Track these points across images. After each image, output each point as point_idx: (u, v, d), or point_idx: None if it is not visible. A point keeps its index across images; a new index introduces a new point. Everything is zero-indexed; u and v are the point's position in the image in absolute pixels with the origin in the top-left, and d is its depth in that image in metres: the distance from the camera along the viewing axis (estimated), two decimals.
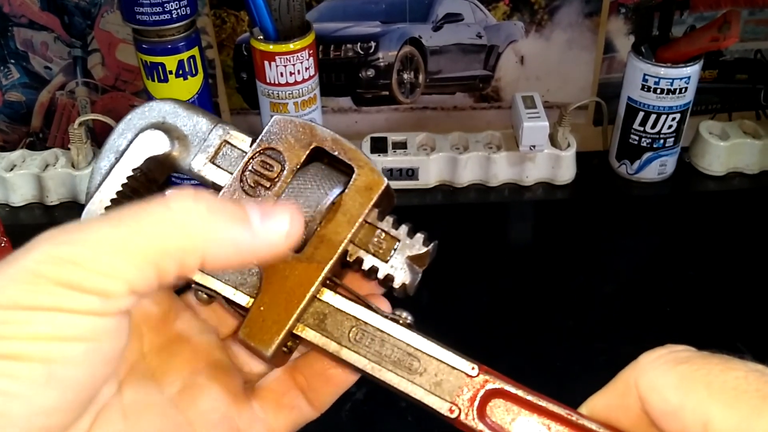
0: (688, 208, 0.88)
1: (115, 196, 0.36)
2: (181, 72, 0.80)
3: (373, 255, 0.35)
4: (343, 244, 0.35)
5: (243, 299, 0.35)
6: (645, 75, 0.83)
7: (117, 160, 0.36)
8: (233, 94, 0.93)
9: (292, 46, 0.79)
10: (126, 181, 0.36)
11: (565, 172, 0.88)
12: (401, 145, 0.88)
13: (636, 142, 0.87)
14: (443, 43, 0.91)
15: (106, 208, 0.36)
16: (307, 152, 0.36)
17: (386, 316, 0.34)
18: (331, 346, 0.34)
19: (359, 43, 0.90)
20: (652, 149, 0.87)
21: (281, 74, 0.80)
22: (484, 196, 0.89)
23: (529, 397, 0.32)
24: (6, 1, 0.86)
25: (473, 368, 0.33)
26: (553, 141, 0.87)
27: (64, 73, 0.91)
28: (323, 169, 0.36)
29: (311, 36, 0.80)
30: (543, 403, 0.31)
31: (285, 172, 0.36)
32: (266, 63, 0.80)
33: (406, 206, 0.86)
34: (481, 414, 0.32)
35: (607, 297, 0.76)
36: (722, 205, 0.87)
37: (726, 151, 0.88)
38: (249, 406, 0.36)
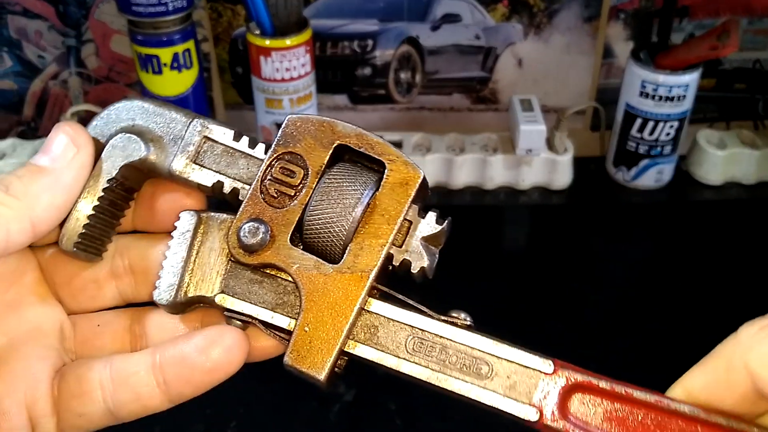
0: (684, 216, 0.88)
1: (92, 212, 0.33)
2: (175, 65, 0.79)
3: None
4: (385, 248, 0.32)
5: (283, 321, 0.32)
6: (643, 81, 0.82)
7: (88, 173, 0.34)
8: (228, 88, 0.93)
9: (288, 42, 0.78)
10: (102, 194, 0.33)
11: (562, 177, 0.88)
12: (397, 145, 0.87)
13: (633, 149, 0.86)
14: (441, 44, 0.90)
15: (85, 225, 0.33)
16: (330, 152, 0.33)
17: (443, 320, 0.32)
18: (389, 361, 0.32)
19: (356, 41, 0.89)
20: (649, 156, 0.86)
21: (277, 70, 0.79)
22: (479, 199, 0.88)
23: (614, 387, 0.30)
24: None
25: (549, 365, 0.31)
26: (550, 145, 0.86)
27: (57, 62, 0.90)
28: (351, 168, 0.33)
29: (308, 32, 0.79)
30: (629, 391, 0.30)
31: (309, 176, 0.32)
32: (262, 58, 0.79)
33: None
34: (564, 412, 0.30)
35: (600, 303, 0.75)
36: (719, 215, 0.87)
37: (723, 160, 0.88)
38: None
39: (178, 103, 0.82)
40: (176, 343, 0.32)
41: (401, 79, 0.92)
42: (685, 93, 0.82)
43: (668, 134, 0.85)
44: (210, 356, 0.31)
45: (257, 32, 0.79)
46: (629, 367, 0.68)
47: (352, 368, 0.71)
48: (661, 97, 0.82)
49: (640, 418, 0.29)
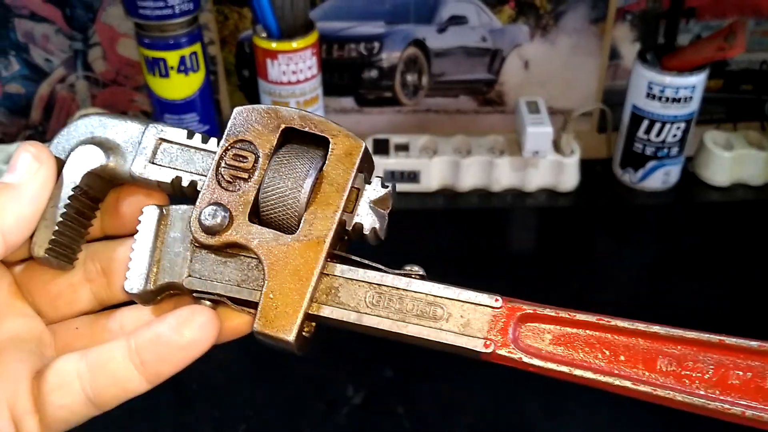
0: (692, 218, 0.87)
1: (60, 219, 0.35)
2: (182, 68, 0.79)
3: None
4: (338, 215, 0.34)
5: (250, 294, 0.34)
6: (650, 83, 0.82)
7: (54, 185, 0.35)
8: (235, 91, 0.93)
9: (294, 44, 0.78)
10: (68, 201, 0.35)
11: (569, 179, 0.88)
12: (403, 148, 0.88)
13: (640, 151, 0.86)
14: (448, 46, 0.90)
15: (54, 232, 0.35)
16: (278, 135, 0.35)
17: (398, 273, 0.34)
18: (351, 316, 0.34)
19: (363, 44, 0.89)
20: (656, 158, 0.86)
21: (283, 73, 0.79)
22: (486, 202, 0.88)
23: (558, 312, 0.32)
24: None
25: (496, 300, 0.33)
26: (557, 147, 0.86)
27: (64, 66, 0.90)
28: (298, 147, 0.35)
29: (314, 35, 0.79)
30: (572, 314, 0.32)
31: (260, 159, 0.35)
32: (268, 61, 0.79)
33: (407, 210, 0.85)
34: (516, 341, 0.32)
35: (607, 305, 0.75)
36: (726, 216, 0.87)
37: (730, 161, 0.88)
38: None
39: (186, 106, 0.83)
40: (150, 326, 0.33)
41: (408, 81, 0.92)
42: (692, 94, 0.82)
43: (675, 136, 0.85)
44: (184, 334, 0.33)
45: (264, 35, 0.79)
46: None
47: (361, 371, 0.71)
48: (667, 99, 0.82)
49: (585, 337, 0.32)
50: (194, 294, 0.35)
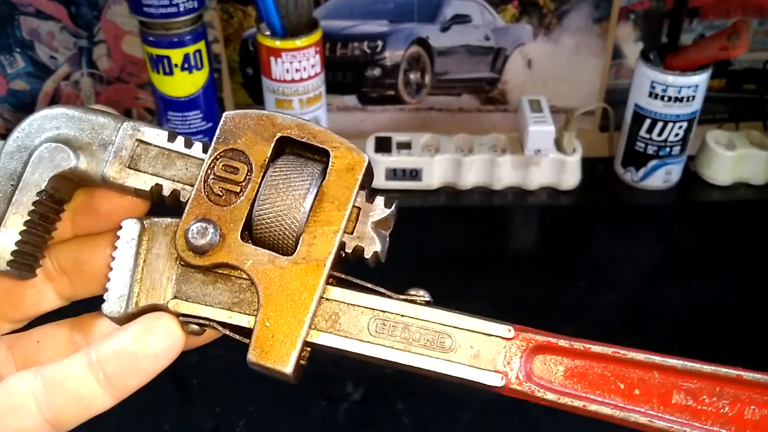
0: (693, 217, 0.88)
1: (24, 228, 0.32)
2: (186, 65, 0.80)
3: None
4: (338, 236, 0.31)
5: (242, 320, 0.31)
6: (653, 82, 0.82)
7: (14, 187, 0.32)
8: (238, 89, 0.93)
9: (298, 42, 0.78)
10: (33, 207, 0.32)
11: (570, 177, 0.88)
12: (406, 146, 0.88)
13: (642, 150, 0.86)
14: (451, 44, 0.90)
15: (17, 242, 0.32)
16: (272, 145, 0.32)
17: (403, 299, 0.32)
18: (353, 346, 0.31)
19: (366, 42, 0.90)
20: (658, 157, 0.86)
21: (287, 71, 0.80)
22: (487, 200, 0.88)
23: (572, 344, 0.31)
24: None
25: (509, 330, 0.31)
26: (559, 146, 0.87)
27: (69, 63, 0.91)
28: (295, 159, 0.33)
29: (318, 33, 0.80)
30: (587, 346, 0.31)
31: (253, 171, 0.32)
32: (272, 59, 0.79)
33: (408, 208, 0.85)
34: (528, 374, 0.31)
35: (608, 304, 0.76)
36: (727, 216, 0.87)
37: (732, 161, 0.88)
38: None
39: (189, 104, 0.83)
40: (111, 337, 0.31)
41: (411, 79, 0.92)
42: (695, 94, 0.82)
43: (677, 135, 0.85)
44: (149, 343, 0.31)
45: (268, 33, 0.79)
46: None
47: (361, 368, 0.71)
48: (670, 98, 0.82)
49: (599, 371, 0.31)
50: (180, 318, 0.32)
